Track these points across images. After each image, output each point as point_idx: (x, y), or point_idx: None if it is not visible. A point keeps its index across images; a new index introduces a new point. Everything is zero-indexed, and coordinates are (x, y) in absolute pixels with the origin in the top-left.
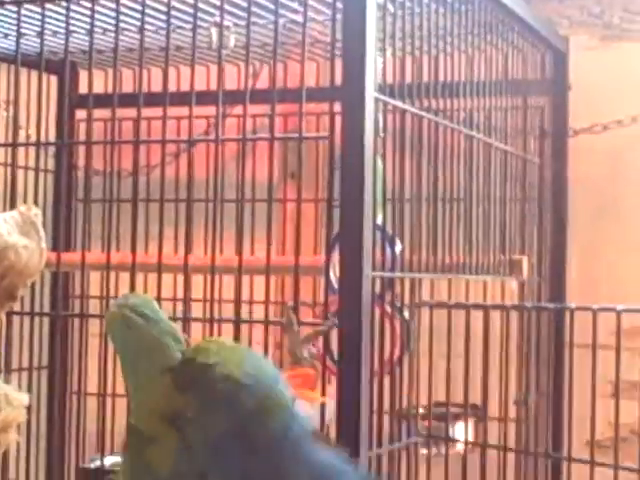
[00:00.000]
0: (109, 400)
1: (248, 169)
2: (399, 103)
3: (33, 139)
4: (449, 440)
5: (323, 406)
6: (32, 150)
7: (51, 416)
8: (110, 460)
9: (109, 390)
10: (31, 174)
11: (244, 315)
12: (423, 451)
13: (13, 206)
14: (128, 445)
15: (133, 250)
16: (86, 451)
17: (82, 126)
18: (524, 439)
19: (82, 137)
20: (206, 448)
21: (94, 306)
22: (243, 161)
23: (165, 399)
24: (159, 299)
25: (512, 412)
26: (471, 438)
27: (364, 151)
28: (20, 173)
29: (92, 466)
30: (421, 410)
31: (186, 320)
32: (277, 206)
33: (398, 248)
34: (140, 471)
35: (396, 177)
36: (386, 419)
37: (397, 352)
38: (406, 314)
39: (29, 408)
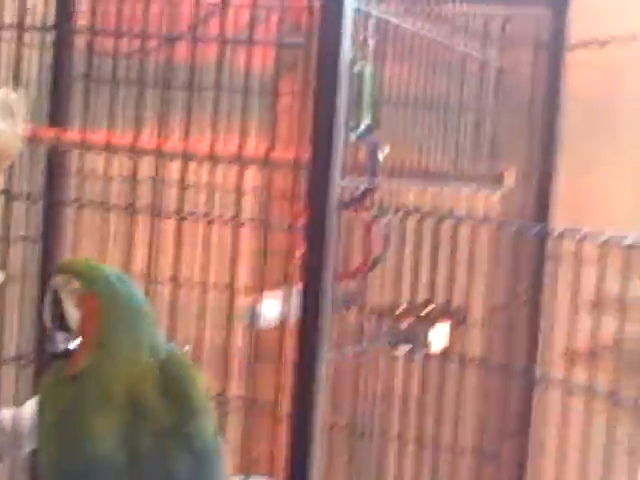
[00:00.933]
0: None
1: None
2: (381, 14)
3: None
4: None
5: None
6: None
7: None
8: None
9: None
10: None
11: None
12: (397, 353)
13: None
14: (73, 389)
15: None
16: None
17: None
18: (500, 348)
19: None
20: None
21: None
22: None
23: (139, 382)
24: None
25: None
26: (447, 341)
27: (339, 57)
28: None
29: None
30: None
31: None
32: (272, 99)
33: (382, 153)
34: (76, 425)
35: (387, 82)
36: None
37: (373, 255)
38: (386, 218)
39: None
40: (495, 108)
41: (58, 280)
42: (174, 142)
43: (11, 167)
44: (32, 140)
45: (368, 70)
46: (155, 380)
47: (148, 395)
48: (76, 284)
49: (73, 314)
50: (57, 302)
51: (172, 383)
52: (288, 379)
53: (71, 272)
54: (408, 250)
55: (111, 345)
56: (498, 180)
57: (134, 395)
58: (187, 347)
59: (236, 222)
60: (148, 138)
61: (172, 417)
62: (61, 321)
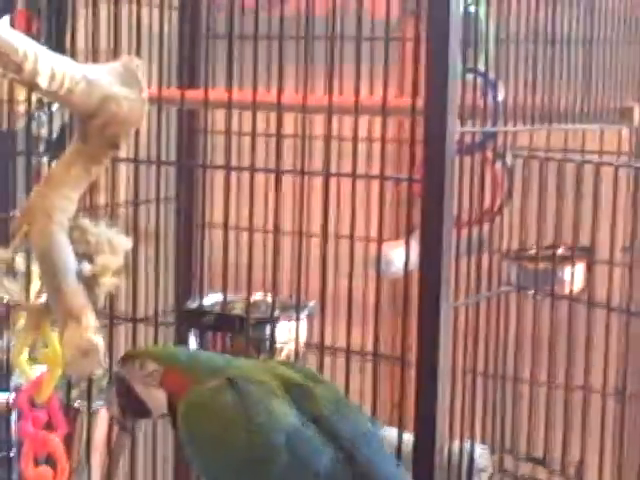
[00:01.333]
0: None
1: (367, 4)
2: None
3: None
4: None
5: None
6: None
7: (179, 247)
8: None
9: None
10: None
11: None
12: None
13: (139, 43)
14: (245, 388)
15: (254, 88)
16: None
17: None
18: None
19: None
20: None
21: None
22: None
23: (280, 376)
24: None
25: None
26: (580, 282)
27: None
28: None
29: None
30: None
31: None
32: (396, 45)
33: (502, 95)
34: (263, 410)
35: (506, 20)
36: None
37: (499, 199)
38: (509, 161)
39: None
40: (619, 41)
41: (126, 370)
42: (290, 95)
43: (137, 132)
44: (166, 102)
45: (482, 10)
46: (289, 371)
47: (296, 381)
48: (152, 366)
49: (156, 396)
50: (126, 392)
51: (300, 370)
52: (415, 328)
53: (143, 357)
54: (533, 193)
55: (227, 366)
56: (625, 116)
57: (285, 384)
58: (312, 303)
59: (358, 175)
60: (265, 93)
61: (327, 391)
62: (131, 408)
